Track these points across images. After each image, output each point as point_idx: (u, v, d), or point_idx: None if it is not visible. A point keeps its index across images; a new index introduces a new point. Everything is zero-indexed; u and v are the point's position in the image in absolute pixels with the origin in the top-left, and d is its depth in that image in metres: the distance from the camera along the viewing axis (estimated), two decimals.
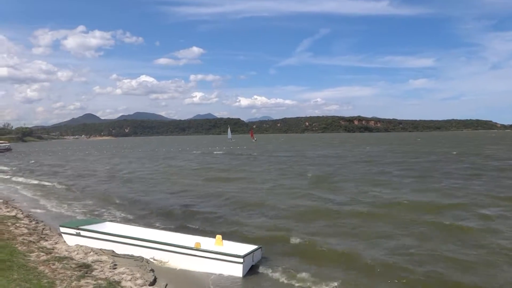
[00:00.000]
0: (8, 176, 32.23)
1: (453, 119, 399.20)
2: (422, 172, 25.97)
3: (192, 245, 9.45)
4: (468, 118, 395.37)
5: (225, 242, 9.89)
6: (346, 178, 23.68)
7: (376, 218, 13.21)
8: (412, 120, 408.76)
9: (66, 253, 9.58)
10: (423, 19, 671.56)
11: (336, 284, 8.06)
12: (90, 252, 9.72)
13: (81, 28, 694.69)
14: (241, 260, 8.67)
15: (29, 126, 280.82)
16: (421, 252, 9.73)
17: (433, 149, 56.21)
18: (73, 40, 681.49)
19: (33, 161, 50.74)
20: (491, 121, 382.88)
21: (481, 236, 10.86)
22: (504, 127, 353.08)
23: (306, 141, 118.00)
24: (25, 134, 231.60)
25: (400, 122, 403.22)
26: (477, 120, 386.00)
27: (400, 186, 20.09)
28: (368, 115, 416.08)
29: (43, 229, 12.51)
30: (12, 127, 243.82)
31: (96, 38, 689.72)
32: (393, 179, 22.93)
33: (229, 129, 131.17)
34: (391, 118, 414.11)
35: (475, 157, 37.75)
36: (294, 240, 11.04)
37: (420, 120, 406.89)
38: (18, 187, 25.27)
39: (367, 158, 40.97)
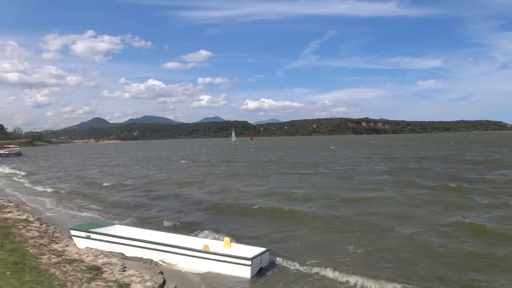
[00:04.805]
0: (19, 180, 32.66)
1: (462, 120, 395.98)
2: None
3: (201, 248, 9.50)
4: (478, 119, 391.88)
5: (233, 244, 9.95)
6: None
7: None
8: (420, 122, 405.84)
9: (76, 256, 9.69)
10: (431, 20, 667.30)
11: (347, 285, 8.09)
12: (100, 254, 9.82)
13: (90, 32, 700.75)
14: (249, 262, 8.71)
15: (39, 130, 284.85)
16: None
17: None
18: (82, 44, 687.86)
19: (44, 165, 51.39)
20: (501, 122, 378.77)
21: None
22: None
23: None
24: (35, 139, 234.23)
25: (409, 123, 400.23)
26: (487, 121, 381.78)
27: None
28: (376, 117, 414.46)
29: (54, 232, 12.65)
30: (22, 131, 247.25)
31: (105, 42, 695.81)
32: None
33: (233, 132, 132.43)
34: (399, 119, 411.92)
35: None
36: (301, 241, 11.09)
37: (429, 121, 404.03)
38: (29, 190, 25.60)
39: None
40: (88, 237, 10.78)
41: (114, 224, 12.50)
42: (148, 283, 7.95)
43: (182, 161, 48.61)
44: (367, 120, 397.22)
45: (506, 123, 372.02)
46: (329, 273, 8.73)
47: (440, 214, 13.57)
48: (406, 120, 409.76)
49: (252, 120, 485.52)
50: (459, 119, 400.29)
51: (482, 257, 9.28)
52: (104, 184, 26.49)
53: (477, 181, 20.90)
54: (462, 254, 9.59)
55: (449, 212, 13.89)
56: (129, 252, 10.07)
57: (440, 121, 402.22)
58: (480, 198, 16.19)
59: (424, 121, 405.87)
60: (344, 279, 8.37)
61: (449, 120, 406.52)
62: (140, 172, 35.40)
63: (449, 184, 19.47)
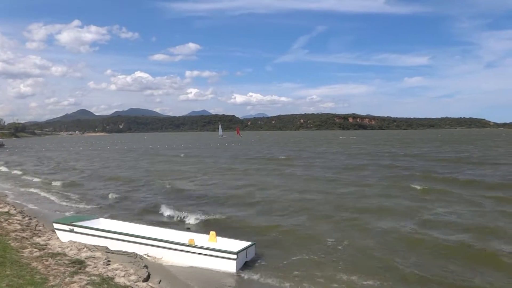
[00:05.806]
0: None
1: (447, 117, 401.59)
2: None
3: (186, 242, 9.47)
4: (462, 116, 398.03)
5: (219, 238, 9.94)
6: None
7: None
8: (406, 118, 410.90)
9: (59, 249, 9.55)
10: (418, 17, 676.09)
11: (328, 280, 8.16)
12: (83, 248, 9.70)
13: (76, 22, 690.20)
14: (234, 256, 8.72)
15: (22, 121, 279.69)
16: None
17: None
18: (68, 34, 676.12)
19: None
20: (484, 119, 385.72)
21: None
22: (497, 125, 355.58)
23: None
24: (18, 130, 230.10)
25: (395, 119, 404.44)
26: (471, 118, 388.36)
27: None
28: (363, 112, 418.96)
29: (36, 225, 12.45)
30: (4, 122, 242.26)
31: (91, 33, 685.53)
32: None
33: (220, 126, 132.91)
34: (385, 115, 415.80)
35: None
36: (287, 235, 11.17)
37: (414, 118, 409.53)
38: (12, 184, 25.10)
39: None
40: (71, 231, 10.64)
41: (98, 217, 12.35)
42: (133, 277, 7.89)
43: (159, 157, 46.52)
44: (354, 116, 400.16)
45: (489, 121, 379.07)
46: (312, 267, 8.83)
47: (412, 219, 13.13)
48: (392, 117, 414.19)
49: (239, 114, 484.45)
50: (444, 116, 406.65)
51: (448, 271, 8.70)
52: (54, 183, 24.18)
53: (452, 181, 21.13)
54: (425, 265, 9.04)
55: (419, 217, 13.36)
56: (114, 245, 9.98)
57: (425, 118, 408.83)
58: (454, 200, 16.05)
59: (410, 118, 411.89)
60: (326, 274, 8.44)
61: (434, 117, 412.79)
62: (97, 167, 34.84)
63: (424, 187, 18.97)
